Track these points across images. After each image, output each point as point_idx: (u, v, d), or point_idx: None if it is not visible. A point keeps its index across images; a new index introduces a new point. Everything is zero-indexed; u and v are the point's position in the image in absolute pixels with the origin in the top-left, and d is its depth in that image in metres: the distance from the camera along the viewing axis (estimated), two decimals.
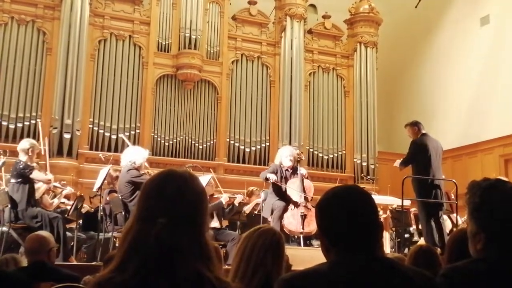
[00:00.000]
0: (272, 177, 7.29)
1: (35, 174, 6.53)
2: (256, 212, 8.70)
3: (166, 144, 11.50)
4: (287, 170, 7.55)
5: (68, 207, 8.05)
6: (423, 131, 7.55)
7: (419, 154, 7.39)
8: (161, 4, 11.83)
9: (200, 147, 11.77)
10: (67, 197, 8.30)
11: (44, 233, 4.40)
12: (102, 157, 9.59)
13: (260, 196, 8.52)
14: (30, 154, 6.53)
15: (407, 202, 7.75)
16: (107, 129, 11.02)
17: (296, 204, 7.34)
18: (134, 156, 6.79)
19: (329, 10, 13.48)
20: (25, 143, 6.63)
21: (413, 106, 14.02)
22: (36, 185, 6.84)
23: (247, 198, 9.08)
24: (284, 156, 7.55)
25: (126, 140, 9.51)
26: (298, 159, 7.79)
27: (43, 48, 10.94)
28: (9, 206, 6.46)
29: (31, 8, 10.92)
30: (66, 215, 7.68)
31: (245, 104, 12.32)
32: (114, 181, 7.64)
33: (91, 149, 10.88)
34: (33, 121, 10.39)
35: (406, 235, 9.50)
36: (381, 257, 1.69)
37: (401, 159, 7.70)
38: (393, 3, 13.96)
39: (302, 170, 7.66)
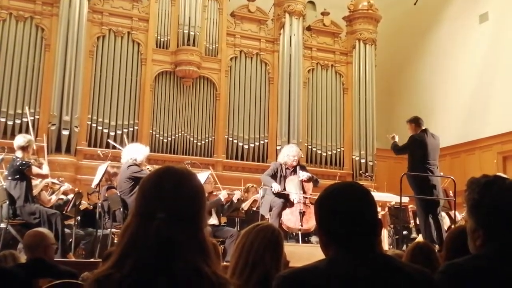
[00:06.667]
0: (276, 188, 7.31)
1: (34, 170, 6.51)
2: (254, 208, 8.70)
3: (165, 141, 11.50)
4: (287, 168, 7.56)
5: (69, 197, 8.03)
6: (423, 127, 7.56)
7: (416, 150, 7.40)
8: (160, 0, 11.81)
9: (199, 144, 11.77)
10: (65, 193, 8.29)
11: (44, 229, 4.41)
12: (101, 154, 9.59)
13: (259, 192, 8.52)
14: (26, 150, 6.51)
15: (405, 199, 7.76)
16: (106, 126, 11.02)
17: (292, 204, 7.35)
18: (135, 152, 6.79)
19: (328, 7, 13.48)
20: (21, 139, 6.60)
21: (411, 103, 14.02)
22: (34, 182, 6.83)
23: (245, 194, 9.10)
24: (291, 155, 7.55)
25: (114, 144, 9.50)
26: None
27: (41, 44, 10.92)
28: (7, 202, 6.46)
29: (29, 5, 10.90)
30: (64, 211, 7.67)
31: (244, 101, 12.32)
32: (112, 178, 7.63)
33: (89, 145, 10.88)
34: (31, 118, 10.38)
35: (405, 232, 9.51)
36: (380, 254, 1.69)
37: (397, 139, 7.79)
38: (392, 0, 13.95)
39: (303, 175, 7.56)
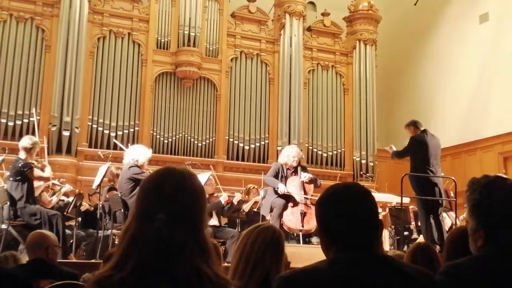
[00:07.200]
0: (282, 189, 7.30)
1: (35, 173, 6.50)
2: (255, 209, 8.70)
3: (165, 141, 11.50)
4: (288, 169, 7.56)
5: (69, 200, 8.03)
6: (422, 128, 7.56)
7: (418, 151, 7.40)
8: (160, 1, 11.81)
9: (199, 144, 11.77)
10: (66, 195, 8.29)
11: (47, 231, 4.41)
12: (101, 155, 9.58)
13: (260, 194, 8.52)
14: (30, 152, 6.51)
15: (406, 200, 7.75)
16: (106, 127, 11.02)
17: (296, 203, 7.35)
18: (137, 154, 6.78)
19: (328, 8, 13.48)
20: (26, 140, 6.59)
21: (412, 104, 14.02)
22: (37, 183, 6.83)
23: (246, 196, 9.09)
24: (291, 156, 7.54)
25: (120, 144, 9.50)
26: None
27: (42, 45, 10.92)
28: (8, 203, 6.46)
29: (30, 6, 10.90)
30: (65, 212, 7.67)
31: (244, 101, 12.32)
32: (115, 179, 7.62)
33: (90, 146, 10.87)
34: (32, 119, 10.38)
35: (405, 233, 9.51)
36: (381, 254, 1.68)
37: (395, 148, 7.79)
38: (392, 0, 13.96)
39: (304, 176, 7.54)
